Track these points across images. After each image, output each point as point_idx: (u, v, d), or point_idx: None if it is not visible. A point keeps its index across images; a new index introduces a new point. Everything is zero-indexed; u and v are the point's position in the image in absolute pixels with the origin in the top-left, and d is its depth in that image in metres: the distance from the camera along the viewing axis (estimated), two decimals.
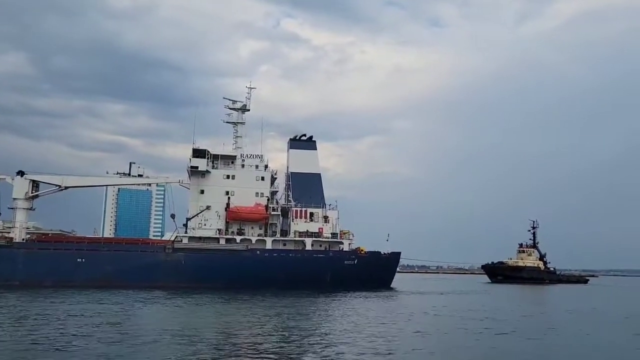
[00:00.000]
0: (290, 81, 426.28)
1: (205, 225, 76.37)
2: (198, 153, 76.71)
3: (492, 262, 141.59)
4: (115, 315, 38.75)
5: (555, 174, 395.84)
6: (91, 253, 70.74)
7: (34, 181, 74.35)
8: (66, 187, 76.10)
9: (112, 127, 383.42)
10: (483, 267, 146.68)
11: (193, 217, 76.10)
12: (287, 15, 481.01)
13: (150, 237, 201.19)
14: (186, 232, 75.67)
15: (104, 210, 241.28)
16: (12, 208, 73.31)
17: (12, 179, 73.22)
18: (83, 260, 69.85)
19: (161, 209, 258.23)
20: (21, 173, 73.48)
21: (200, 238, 75.49)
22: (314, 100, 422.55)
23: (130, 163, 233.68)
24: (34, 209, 75.09)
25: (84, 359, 22.36)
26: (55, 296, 53.37)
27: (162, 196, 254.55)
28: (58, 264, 68.92)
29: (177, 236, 75.26)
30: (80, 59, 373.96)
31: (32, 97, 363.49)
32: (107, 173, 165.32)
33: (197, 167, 76.25)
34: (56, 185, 75.52)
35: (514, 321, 40.33)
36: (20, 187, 72.87)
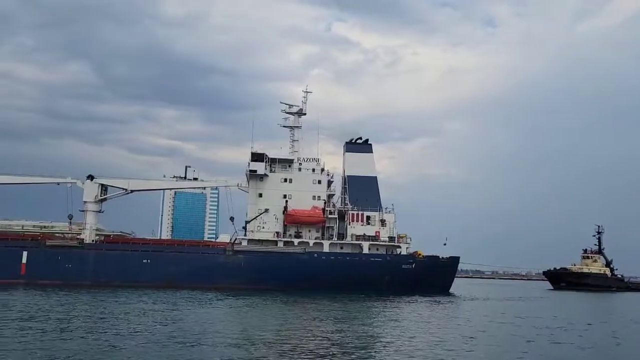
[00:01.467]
0: (340, 84, 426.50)
1: (263, 228, 77.58)
2: (256, 157, 78.04)
3: (555, 268, 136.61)
4: (178, 315, 40.08)
5: (622, 178, 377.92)
6: (156, 254, 73.25)
7: (102, 185, 77.80)
8: (132, 191, 79.36)
9: (167, 132, 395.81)
10: (545, 273, 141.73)
11: (252, 220, 77.44)
12: (338, 19, 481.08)
13: (205, 238, 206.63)
14: (245, 235, 77.08)
15: (162, 213, 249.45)
16: (82, 211, 76.94)
17: (83, 183, 76.85)
18: (148, 261, 72.43)
19: (215, 211, 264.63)
20: (91, 177, 77.05)
21: (258, 240, 76.74)
22: (364, 103, 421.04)
23: (186, 167, 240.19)
24: (102, 212, 78.56)
25: (147, 356, 23.35)
26: (122, 295, 55.75)
27: (216, 199, 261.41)
28: (125, 265, 71.78)
29: (236, 238, 76.86)
30: (137, 66, 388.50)
31: (93, 104, 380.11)
32: (164, 176, 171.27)
33: (255, 171, 77.58)
34: (123, 189, 78.79)
35: (580, 330, 38.86)
36: (90, 191, 76.43)
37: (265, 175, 78.53)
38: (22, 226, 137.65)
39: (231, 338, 28.31)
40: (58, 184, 77.75)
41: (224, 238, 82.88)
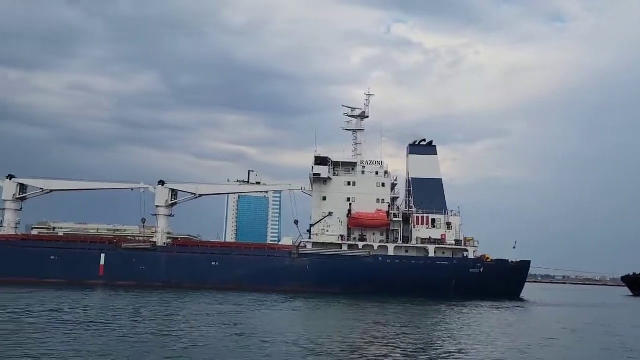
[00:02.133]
0: (401, 86, 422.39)
1: (327, 231, 77.87)
2: (320, 160, 78.53)
3: (634, 273, 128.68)
4: (242, 316, 40.93)
5: None
6: (224, 257, 75.18)
7: (172, 190, 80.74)
8: (200, 195, 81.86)
9: (231, 137, 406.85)
10: (623, 278, 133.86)
11: (316, 223, 77.94)
12: (398, 21, 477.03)
13: (268, 241, 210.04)
14: (310, 238, 77.66)
15: (226, 216, 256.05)
16: (155, 215, 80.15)
17: (155, 188, 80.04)
18: (217, 263, 74.46)
19: (277, 214, 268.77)
20: (162, 182, 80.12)
21: (323, 244, 77.09)
22: (426, 104, 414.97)
23: (249, 171, 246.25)
24: (173, 216, 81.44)
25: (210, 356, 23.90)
26: (191, 296, 57.75)
27: (278, 202, 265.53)
28: (195, 267, 74.15)
29: (301, 241, 77.62)
30: (202, 75, 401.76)
31: (162, 112, 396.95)
32: (228, 181, 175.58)
33: (319, 175, 78.09)
34: (192, 194, 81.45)
35: None
36: (162, 196, 79.49)
37: (329, 178, 78.84)
38: (98, 229, 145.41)
39: (293, 340, 28.56)
40: (132, 189, 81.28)
41: (287, 241, 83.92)
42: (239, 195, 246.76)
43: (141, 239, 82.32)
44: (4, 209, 78.88)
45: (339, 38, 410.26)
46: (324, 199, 79.19)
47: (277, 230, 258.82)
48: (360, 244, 76.38)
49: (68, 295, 53.79)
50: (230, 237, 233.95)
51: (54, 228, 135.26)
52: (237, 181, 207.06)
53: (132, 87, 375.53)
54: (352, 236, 77.77)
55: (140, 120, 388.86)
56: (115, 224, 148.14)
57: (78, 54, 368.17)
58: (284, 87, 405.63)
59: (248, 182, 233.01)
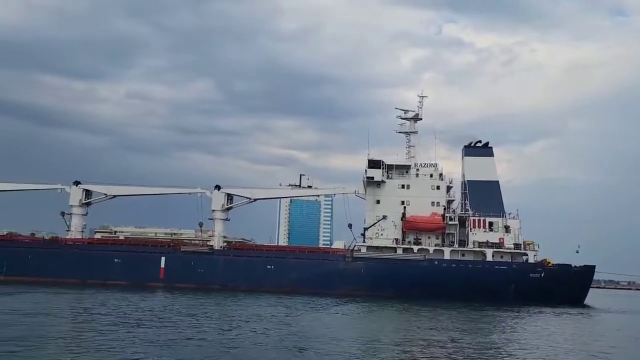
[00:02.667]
0: (453, 87, 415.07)
1: (382, 234, 77.38)
2: (373, 164, 78.25)
3: None
4: (295, 319, 41.19)
5: None
6: (279, 261, 76.05)
7: (228, 194, 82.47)
8: (255, 199, 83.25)
9: (283, 142, 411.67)
10: None
11: (370, 226, 77.61)
12: (449, 21, 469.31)
13: (320, 245, 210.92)
14: (364, 242, 77.40)
15: (278, 220, 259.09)
16: (211, 219, 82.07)
17: (211, 193, 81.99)
18: (272, 267, 75.39)
19: (329, 218, 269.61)
20: (218, 187, 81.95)
21: (377, 247, 76.68)
22: (478, 105, 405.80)
23: (300, 175, 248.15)
24: (229, 220, 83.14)
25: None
26: (247, 299, 58.83)
27: (330, 206, 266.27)
28: (251, 270, 75.34)
29: (355, 245, 77.48)
30: (254, 81, 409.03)
31: (216, 118, 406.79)
32: (280, 185, 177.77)
33: (372, 178, 77.80)
34: (247, 198, 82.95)
35: None
36: (218, 200, 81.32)
37: (383, 181, 78.41)
38: (155, 233, 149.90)
39: (345, 344, 28.52)
40: (190, 194, 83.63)
41: (339, 244, 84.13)
42: (291, 200, 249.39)
43: (198, 242, 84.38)
44: (71, 213, 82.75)
45: (389, 40, 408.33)
46: (378, 202, 78.76)
47: (328, 234, 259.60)
48: (415, 248, 75.45)
49: (132, 296, 55.93)
50: (282, 241, 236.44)
51: (115, 232, 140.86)
52: (289, 185, 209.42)
53: (187, 94, 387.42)
54: (407, 240, 76.91)
55: (195, 127, 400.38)
56: (171, 227, 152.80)
57: (136, 64, 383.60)
58: (334, 91, 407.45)
59: (299, 185, 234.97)
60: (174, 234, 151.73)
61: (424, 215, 76.23)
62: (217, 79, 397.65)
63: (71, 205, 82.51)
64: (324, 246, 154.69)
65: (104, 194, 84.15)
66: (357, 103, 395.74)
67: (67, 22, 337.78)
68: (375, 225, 77.57)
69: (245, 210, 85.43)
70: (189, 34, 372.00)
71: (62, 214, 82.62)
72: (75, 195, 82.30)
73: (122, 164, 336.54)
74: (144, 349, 25.16)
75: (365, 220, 79.09)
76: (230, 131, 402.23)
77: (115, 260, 76.40)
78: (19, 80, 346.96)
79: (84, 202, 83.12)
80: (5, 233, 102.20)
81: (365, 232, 78.01)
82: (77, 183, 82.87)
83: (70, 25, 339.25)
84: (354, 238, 78.72)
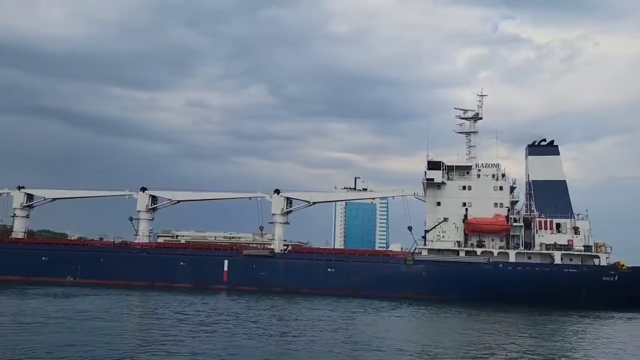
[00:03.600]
0: (510, 85, 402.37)
1: (443, 237, 76.00)
2: (433, 165, 77.05)
3: None
4: (355, 322, 41.12)
5: None
6: (339, 264, 76.18)
7: (287, 198, 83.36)
8: (314, 203, 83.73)
9: (337, 145, 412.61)
10: None
11: (431, 229, 76.42)
12: (506, 17, 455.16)
13: (376, 248, 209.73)
14: (425, 244, 76.29)
15: (334, 223, 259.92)
16: (271, 222, 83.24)
17: (271, 197, 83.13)
18: (332, 270, 75.59)
19: (385, 221, 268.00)
20: (277, 191, 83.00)
21: (439, 250, 75.38)
22: (538, 102, 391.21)
23: (355, 178, 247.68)
24: (288, 223, 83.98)
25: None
26: (308, 301, 59.30)
27: (385, 209, 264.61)
28: (312, 273, 75.77)
29: (416, 248, 76.53)
30: (308, 85, 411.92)
31: (271, 123, 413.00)
32: (335, 188, 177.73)
33: (432, 179, 76.61)
34: (305, 201, 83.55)
35: None
36: (278, 204, 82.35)
37: (443, 183, 77.06)
38: (215, 237, 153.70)
39: (405, 347, 28.11)
40: (249, 198, 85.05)
41: (395, 247, 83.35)
42: (346, 203, 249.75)
43: (259, 246, 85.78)
44: (139, 219, 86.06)
45: (444, 40, 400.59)
46: (438, 204, 77.45)
47: (384, 237, 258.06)
48: (479, 251, 73.61)
49: (199, 299, 57.58)
50: (338, 244, 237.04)
51: (177, 236, 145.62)
52: (344, 188, 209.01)
53: (243, 100, 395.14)
54: (469, 242, 75.13)
55: (251, 132, 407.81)
56: (230, 231, 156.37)
57: (195, 73, 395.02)
58: (389, 93, 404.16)
59: (355, 188, 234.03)
60: (233, 237, 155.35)
61: (487, 217, 74.25)
62: (271, 84, 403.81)
63: (138, 211, 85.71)
64: (384, 249, 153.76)
65: (169, 200, 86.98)
66: (412, 104, 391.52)
67: (130, 35, 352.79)
68: (436, 227, 76.29)
69: (301, 214, 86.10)
70: (244, 41, 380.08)
71: (130, 219, 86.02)
72: (142, 201, 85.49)
73: (182, 170, 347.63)
74: (207, 347, 25.90)
75: (425, 223, 77.92)
76: (285, 136, 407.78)
77: (180, 263, 78.84)
78: (86, 92, 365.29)
79: (150, 207, 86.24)
80: (76, 238, 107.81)
81: (426, 234, 76.89)
82: (143, 189, 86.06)
83: (132, 38, 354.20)
84: (414, 241, 77.94)
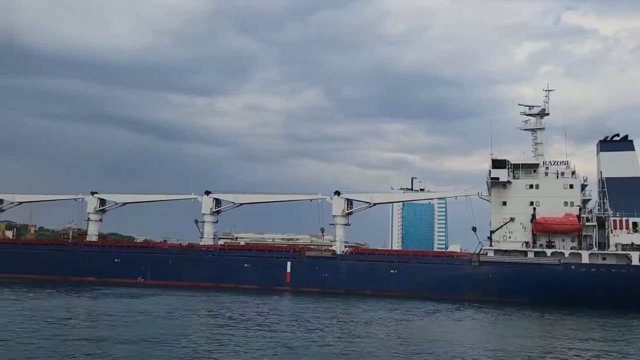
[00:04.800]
0: (574, 79, 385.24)
1: (510, 237, 73.69)
2: (497, 163, 74.85)
3: None
4: (416, 323, 40.44)
5: None
6: (402, 265, 75.32)
7: (348, 199, 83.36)
8: (375, 204, 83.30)
9: (393, 145, 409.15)
10: None
11: (497, 229, 74.28)
12: (568, 9, 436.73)
13: (435, 249, 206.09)
14: (491, 245, 74.24)
15: (391, 224, 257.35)
16: (332, 224, 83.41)
17: (331, 199, 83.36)
18: (395, 271, 74.84)
19: (443, 221, 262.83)
20: (338, 193, 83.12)
21: (505, 251, 73.13)
22: (604, 96, 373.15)
23: (412, 178, 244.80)
24: (349, 225, 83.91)
25: None
26: (370, 303, 59.05)
27: (444, 209, 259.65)
28: (374, 275, 75.34)
29: (481, 249, 74.63)
30: (363, 86, 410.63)
31: (326, 125, 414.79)
32: (392, 189, 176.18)
33: (497, 178, 74.45)
34: (366, 202, 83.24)
35: None
36: (338, 205, 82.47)
37: (509, 182, 74.73)
38: (273, 239, 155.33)
39: (470, 352, 27.27)
40: (310, 200, 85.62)
41: (455, 248, 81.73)
42: (403, 203, 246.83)
43: (321, 247, 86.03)
44: (203, 221, 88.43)
45: (502, 35, 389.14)
46: (504, 203, 75.17)
47: (443, 237, 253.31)
48: (548, 251, 70.85)
49: (263, 300, 58.53)
50: (396, 245, 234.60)
51: (237, 238, 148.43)
52: (401, 189, 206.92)
53: (298, 103, 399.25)
54: (538, 243, 72.46)
55: (307, 135, 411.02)
56: (288, 233, 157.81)
57: (252, 78, 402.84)
58: (445, 92, 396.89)
59: (412, 189, 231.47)
60: (290, 239, 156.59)
61: (557, 217, 71.35)
62: (326, 86, 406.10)
63: (203, 214, 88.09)
64: (444, 250, 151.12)
65: (232, 202, 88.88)
66: (469, 102, 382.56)
67: (188, 44, 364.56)
68: (502, 227, 74.09)
69: (356, 215, 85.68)
70: (297, 45, 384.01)
71: (196, 221, 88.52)
72: (206, 204, 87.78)
73: (239, 173, 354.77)
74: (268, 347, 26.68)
75: (490, 223, 75.82)
76: (340, 137, 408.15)
77: (245, 265, 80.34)
78: (148, 100, 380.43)
79: (214, 210, 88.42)
80: (141, 240, 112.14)
81: (492, 235, 74.80)
82: (207, 193, 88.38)
83: (191, 46, 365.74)
84: (479, 241, 75.98)
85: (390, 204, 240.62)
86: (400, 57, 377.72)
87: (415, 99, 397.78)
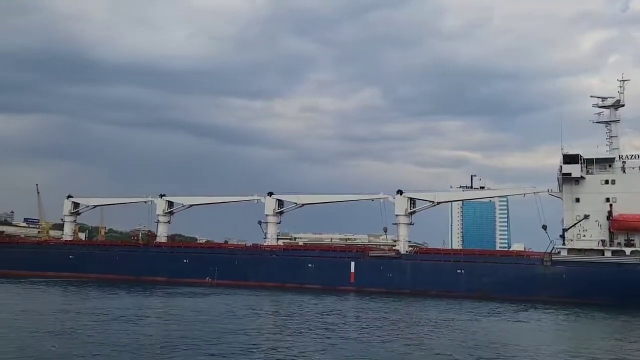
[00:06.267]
0: None
1: (584, 236, 70.46)
2: (569, 159, 71.68)
3: None
4: (485, 326, 39.10)
5: None
6: (469, 265, 73.51)
7: (410, 198, 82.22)
8: (438, 203, 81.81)
9: (451, 143, 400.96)
10: None
11: (570, 227, 71.17)
12: None
13: (497, 248, 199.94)
14: (564, 244, 71.24)
15: (451, 223, 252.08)
16: (395, 224, 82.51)
17: (394, 198, 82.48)
18: (462, 271, 73.16)
19: (505, 219, 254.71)
20: (400, 192, 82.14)
21: (579, 250, 69.98)
22: None
23: (472, 176, 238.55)
24: (413, 224, 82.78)
25: None
26: (435, 304, 57.95)
27: (505, 207, 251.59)
28: (440, 275, 73.93)
29: (553, 247, 71.75)
30: (420, 84, 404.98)
31: (382, 124, 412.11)
32: (451, 187, 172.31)
33: (569, 174, 71.31)
34: (429, 201, 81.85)
35: None
36: (401, 205, 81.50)
37: (582, 178, 71.45)
38: (331, 239, 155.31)
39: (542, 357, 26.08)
40: (372, 200, 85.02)
41: (518, 247, 79.07)
42: (463, 202, 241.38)
43: (385, 247, 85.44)
44: (267, 222, 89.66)
45: (565, 25, 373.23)
46: (577, 200, 71.93)
47: (505, 236, 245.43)
48: (628, 250, 67.20)
49: (327, 300, 58.63)
50: (456, 244, 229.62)
51: (295, 238, 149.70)
52: (460, 187, 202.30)
53: (354, 103, 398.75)
54: (616, 241, 68.87)
55: (363, 134, 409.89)
56: (345, 232, 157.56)
57: (307, 79, 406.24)
58: (505, 86, 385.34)
59: (471, 187, 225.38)
60: (348, 239, 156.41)
61: (637, 213, 67.53)
62: (382, 85, 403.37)
63: (266, 215, 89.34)
64: (506, 249, 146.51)
65: (294, 203, 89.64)
66: (531, 96, 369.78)
67: (244, 48, 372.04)
68: (576, 225, 70.91)
69: (415, 215, 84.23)
70: (353, 45, 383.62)
71: (259, 222, 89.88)
72: (270, 205, 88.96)
73: (296, 174, 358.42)
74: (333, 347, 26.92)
75: (563, 221, 72.74)
76: (396, 136, 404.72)
77: (309, 265, 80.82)
78: (207, 105, 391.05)
79: (277, 211, 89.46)
80: (204, 241, 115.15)
81: (564, 233, 71.72)
82: (270, 194, 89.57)
83: (247, 51, 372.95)
84: (551, 240, 72.99)
85: (449, 203, 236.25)
86: (458, 53, 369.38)
87: (474, 95, 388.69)
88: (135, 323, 36.16)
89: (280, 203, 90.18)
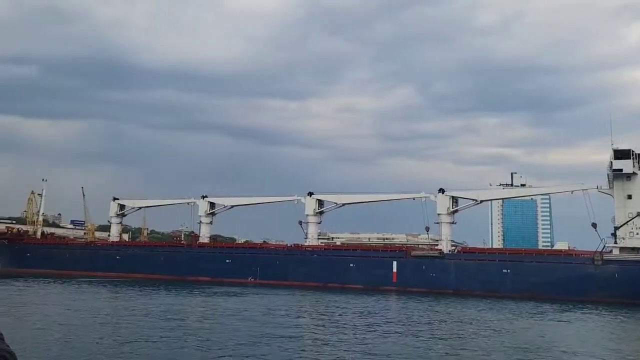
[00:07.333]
0: None
1: (637, 234, 67.92)
2: (621, 154, 69.21)
3: None
4: (528, 326, 37.81)
5: None
6: (515, 264, 71.84)
7: (453, 197, 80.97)
8: (482, 201, 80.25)
9: (490, 141, 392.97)
10: None
11: (622, 225, 68.71)
12: None
13: (540, 247, 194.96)
14: (615, 242, 68.81)
15: (491, 222, 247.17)
16: (437, 223, 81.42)
17: (435, 197, 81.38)
18: (508, 271, 71.54)
19: (547, 217, 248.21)
20: (442, 190, 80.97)
21: (633, 249, 67.46)
22: None
23: (512, 173, 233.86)
24: (455, 223, 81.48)
25: None
26: (480, 304, 56.81)
27: (548, 205, 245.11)
28: (485, 274, 72.50)
29: (604, 246, 69.38)
30: (456, 81, 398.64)
31: (418, 122, 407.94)
32: (490, 185, 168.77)
33: (621, 170, 68.84)
34: (473, 200, 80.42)
35: None
36: (443, 203, 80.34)
37: (634, 173, 68.90)
38: (369, 239, 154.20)
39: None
40: (414, 199, 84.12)
41: (561, 246, 76.88)
42: (503, 200, 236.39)
43: (415, 246, 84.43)
44: (307, 222, 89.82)
45: (608, 16, 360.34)
46: (629, 197, 69.40)
47: (548, 235, 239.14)
48: None
49: (369, 300, 58.24)
50: (496, 243, 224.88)
51: (332, 238, 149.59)
52: (500, 185, 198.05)
53: (390, 102, 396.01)
54: None
55: (399, 133, 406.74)
56: (383, 232, 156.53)
57: (342, 79, 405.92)
58: (546, 81, 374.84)
59: (512, 185, 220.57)
60: (386, 238, 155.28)
61: None
62: (418, 83, 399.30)
63: (307, 215, 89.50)
64: (549, 248, 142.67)
65: (335, 203, 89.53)
66: (573, 91, 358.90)
67: (280, 49, 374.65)
68: (628, 223, 68.38)
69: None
70: (389, 43, 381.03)
71: (300, 222, 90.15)
72: (310, 205, 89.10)
73: (333, 174, 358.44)
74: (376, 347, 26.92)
75: (614, 219, 70.26)
76: (433, 134, 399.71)
77: (350, 265, 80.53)
78: (245, 106, 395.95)
79: (317, 211, 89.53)
80: (243, 241, 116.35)
81: (616, 231, 69.26)
82: (310, 194, 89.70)
83: (282, 51, 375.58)
84: (601, 239, 70.59)
85: (489, 202, 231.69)
86: (495, 48, 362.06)
87: (513, 90, 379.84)
88: (218, 321, 38.10)
89: (321, 203, 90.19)
